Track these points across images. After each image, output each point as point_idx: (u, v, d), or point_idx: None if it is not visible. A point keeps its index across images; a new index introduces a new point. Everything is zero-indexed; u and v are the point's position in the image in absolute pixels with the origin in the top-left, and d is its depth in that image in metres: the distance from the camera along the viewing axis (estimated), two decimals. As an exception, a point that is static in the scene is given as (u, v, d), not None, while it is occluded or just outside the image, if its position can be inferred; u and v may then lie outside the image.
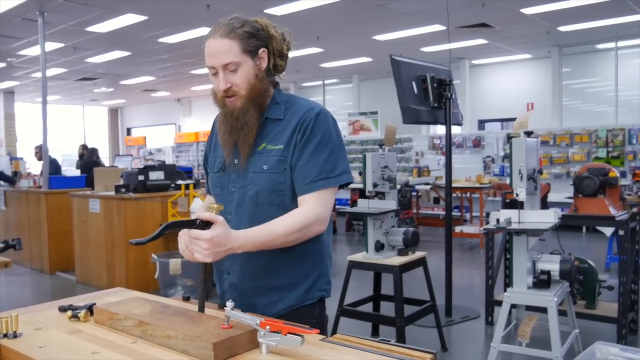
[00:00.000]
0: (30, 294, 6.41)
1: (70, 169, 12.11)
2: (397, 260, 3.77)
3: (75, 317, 1.51)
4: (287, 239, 1.54)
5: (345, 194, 11.94)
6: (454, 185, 6.69)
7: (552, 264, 3.08)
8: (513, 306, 3.32)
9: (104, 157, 16.43)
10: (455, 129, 6.76)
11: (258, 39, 1.62)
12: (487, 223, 3.34)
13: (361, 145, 12.95)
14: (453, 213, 5.70)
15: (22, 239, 2.76)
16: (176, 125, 20.14)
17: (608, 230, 6.37)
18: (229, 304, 1.31)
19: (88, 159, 10.03)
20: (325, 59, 12.49)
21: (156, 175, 6.30)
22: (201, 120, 18.64)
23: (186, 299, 1.70)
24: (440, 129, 12.04)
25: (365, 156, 3.91)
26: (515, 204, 3.13)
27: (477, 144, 11.13)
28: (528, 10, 8.54)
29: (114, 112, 22.27)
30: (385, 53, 6.53)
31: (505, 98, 12.69)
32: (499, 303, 3.61)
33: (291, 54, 1.75)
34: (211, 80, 1.66)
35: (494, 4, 8.10)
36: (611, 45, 11.16)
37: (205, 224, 1.41)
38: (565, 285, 3.19)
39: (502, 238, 4.76)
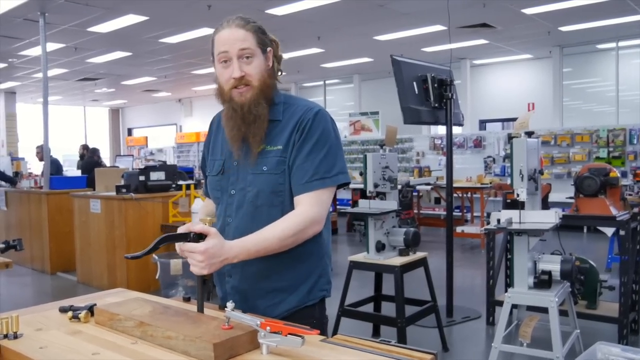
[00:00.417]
0: (31, 294, 6.42)
1: (72, 169, 12.12)
2: (398, 260, 3.76)
3: (75, 317, 1.51)
4: (282, 244, 1.53)
5: (346, 194, 11.94)
6: (454, 185, 6.69)
7: (553, 264, 3.08)
8: (514, 306, 3.32)
9: (105, 157, 16.44)
10: (456, 129, 6.77)
11: (267, 38, 1.65)
12: (488, 223, 3.34)
13: (362, 145, 12.95)
14: (454, 213, 5.70)
15: (23, 239, 2.77)
16: (177, 126, 20.15)
17: (609, 231, 6.36)
18: (230, 304, 1.31)
19: (89, 159, 10.03)
20: (326, 59, 12.49)
21: (157, 176, 6.30)
22: (202, 121, 18.64)
23: (187, 299, 1.70)
24: (441, 129, 12.01)
25: (366, 156, 3.91)
26: (516, 204, 3.13)
27: (478, 144, 11.13)
28: (529, 11, 8.53)
29: (115, 113, 22.29)
30: (386, 53, 6.53)
31: (506, 98, 12.69)
32: (500, 303, 3.60)
33: (292, 55, 1.76)
34: (218, 72, 1.64)
35: (495, 4, 8.10)
36: (612, 45, 11.16)
37: (199, 237, 1.41)
38: (566, 285, 3.19)
39: (503, 238, 4.75)
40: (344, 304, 3.99)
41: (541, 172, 3.30)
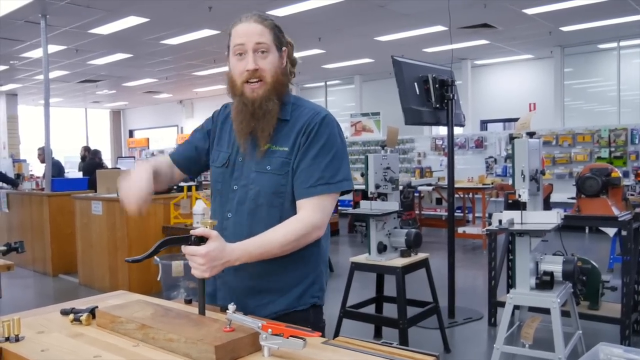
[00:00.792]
0: (33, 296, 6.42)
1: (73, 171, 12.15)
2: (399, 261, 3.76)
3: (77, 320, 1.51)
4: (283, 248, 1.54)
5: (347, 195, 11.91)
6: (456, 186, 6.67)
7: (555, 265, 3.07)
8: (516, 307, 3.31)
9: (107, 159, 16.46)
10: (457, 130, 6.75)
11: (283, 37, 1.67)
12: (490, 224, 3.34)
13: (363, 146, 12.95)
14: (455, 214, 5.70)
15: (24, 241, 2.77)
16: (178, 127, 20.16)
17: (611, 231, 6.35)
18: (231, 307, 1.31)
19: (91, 161, 10.05)
20: (327, 60, 12.49)
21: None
22: (203, 122, 18.65)
23: (188, 301, 1.70)
24: (443, 130, 12.00)
25: (368, 157, 3.90)
26: (518, 205, 3.13)
27: (480, 144, 11.12)
28: (530, 11, 8.53)
29: (116, 114, 22.31)
30: (387, 54, 6.53)
31: (508, 98, 12.68)
32: (502, 304, 3.60)
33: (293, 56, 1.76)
34: (232, 64, 1.63)
35: (496, 4, 8.09)
36: (613, 45, 11.15)
37: (200, 240, 1.41)
38: (568, 286, 3.18)
39: (505, 239, 4.75)
40: (346, 305, 3.98)
41: (543, 173, 3.29)
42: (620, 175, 4.07)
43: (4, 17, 8.13)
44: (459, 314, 4.88)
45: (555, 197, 6.39)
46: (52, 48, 9.96)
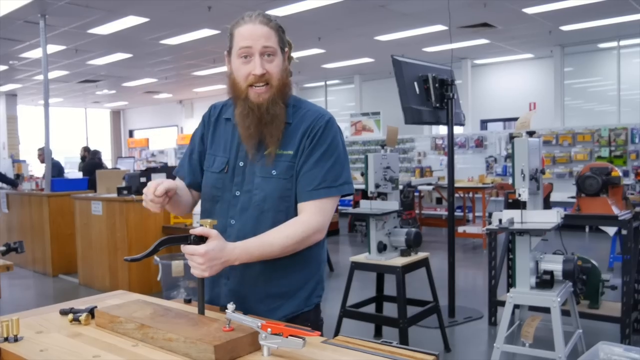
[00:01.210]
0: (32, 296, 6.42)
1: (73, 172, 12.16)
2: (399, 261, 3.76)
3: (76, 320, 1.51)
4: (284, 250, 1.53)
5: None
6: (456, 185, 6.68)
7: (555, 264, 3.07)
8: (516, 306, 3.31)
9: (107, 159, 16.46)
10: (457, 129, 6.77)
11: (285, 38, 1.65)
12: (490, 223, 3.33)
13: (363, 145, 12.95)
14: (455, 213, 5.70)
15: (24, 241, 2.77)
16: (178, 127, 20.16)
17: (611, 230, 6.36)
18: (230, 306, 1.30)
19: (90, 161, 10.06)
20: (327, 60, 12.49)
21: (159, 177, 6.29)
22: (203, 122, 18.64)
23: (187, 301, 1.70)
24: (443, 129, 12.02)
25: (368, 157, 3.90)
26: (518, 204, 3.13)
27: (480, 144, 11.12)
28: (530, 10, 8.52)
29: (116, 114, 22.31)
30: (387, 53, 6.53)
31: (508, 98, 12.68)
32: (502, 303, 3.60)
33: (293, 55, 1.75)
34: (236, 66, 1.59)
35: (496, 3, 8.09)
36: (613, 44, 11.14)
37: (200, 239, 1.41)
38: (569, 285, 3.18)
39: (505, 238, 4.75)
40: (346, 304, 3.98)
41: (543, 172, 3.29)
42: (620, 174, 4.07)
43: (4, 17, 8.12)
44: (459, 313, 4.88)
45: (555, 197, 6.40)
46: (52, 48, 9.96)
